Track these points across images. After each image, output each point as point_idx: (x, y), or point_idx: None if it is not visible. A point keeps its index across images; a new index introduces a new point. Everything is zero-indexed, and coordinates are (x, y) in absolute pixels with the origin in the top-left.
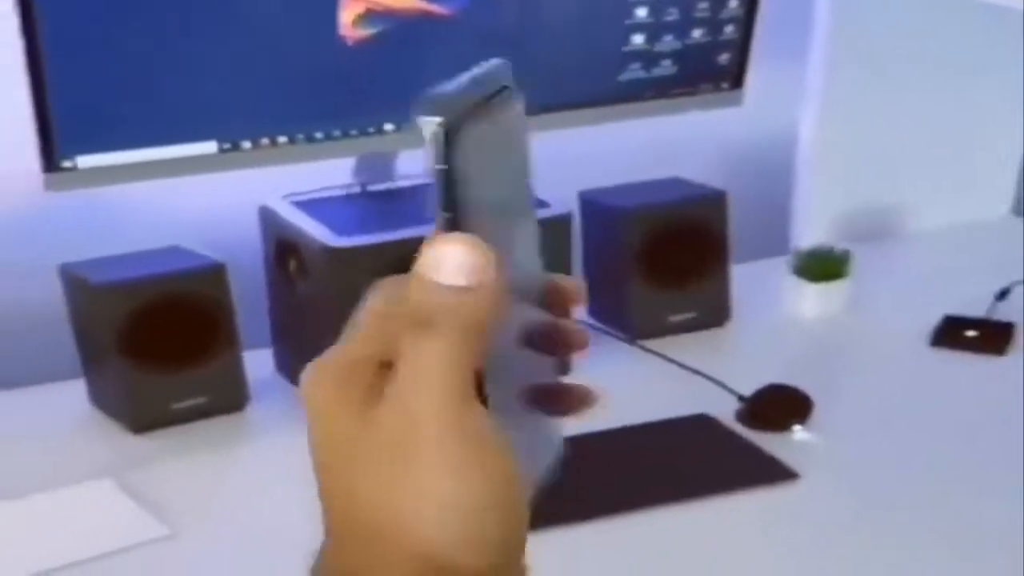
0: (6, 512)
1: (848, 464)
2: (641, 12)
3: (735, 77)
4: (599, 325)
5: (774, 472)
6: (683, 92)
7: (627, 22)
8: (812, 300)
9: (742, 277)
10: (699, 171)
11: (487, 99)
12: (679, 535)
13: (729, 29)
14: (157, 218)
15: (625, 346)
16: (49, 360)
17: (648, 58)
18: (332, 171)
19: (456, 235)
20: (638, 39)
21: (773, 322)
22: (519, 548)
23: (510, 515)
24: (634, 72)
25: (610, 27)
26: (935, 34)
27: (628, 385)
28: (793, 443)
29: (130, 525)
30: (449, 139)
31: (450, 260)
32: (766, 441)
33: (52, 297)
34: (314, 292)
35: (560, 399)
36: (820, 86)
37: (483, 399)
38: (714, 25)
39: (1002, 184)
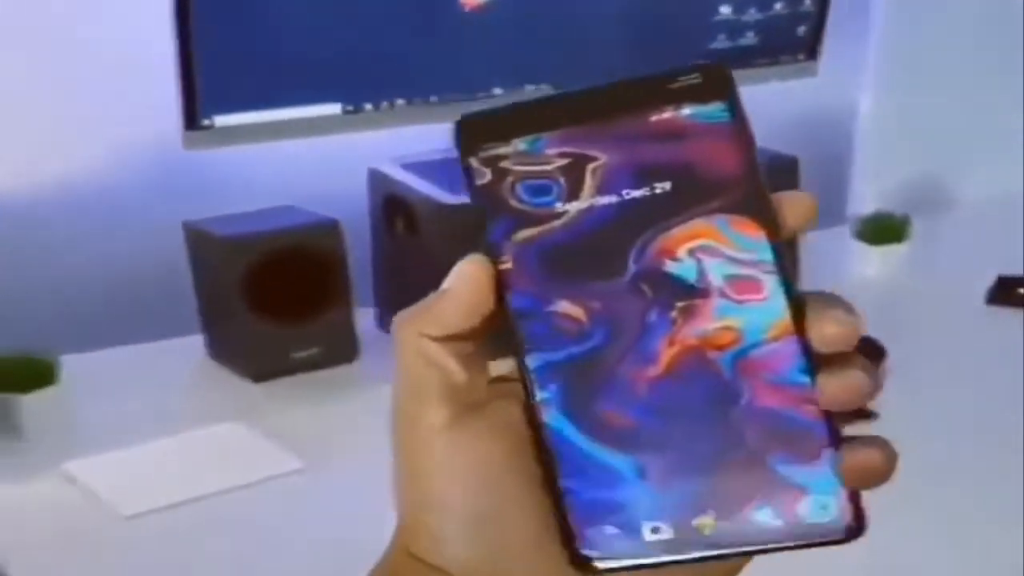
0: (156, 449)
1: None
2: None
3: (811, 49)
4: None
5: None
6: (765, 63)
7: None
8: (875, 263)
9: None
10: (766, 139)
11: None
12: None
13: (808, 2)
14: (269, 180)
15: None
16: (166, 316)
17: (734, 28)
18: (431, 137)
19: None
20: (725, 9)
21: (839, 284)
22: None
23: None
24: (721, 42)
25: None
26: (986, 11)
27: None
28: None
29: (267, 459)
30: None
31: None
32: None
33: (170, 255)
34: (425, 248)
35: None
36: (880, 60)
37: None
38: None
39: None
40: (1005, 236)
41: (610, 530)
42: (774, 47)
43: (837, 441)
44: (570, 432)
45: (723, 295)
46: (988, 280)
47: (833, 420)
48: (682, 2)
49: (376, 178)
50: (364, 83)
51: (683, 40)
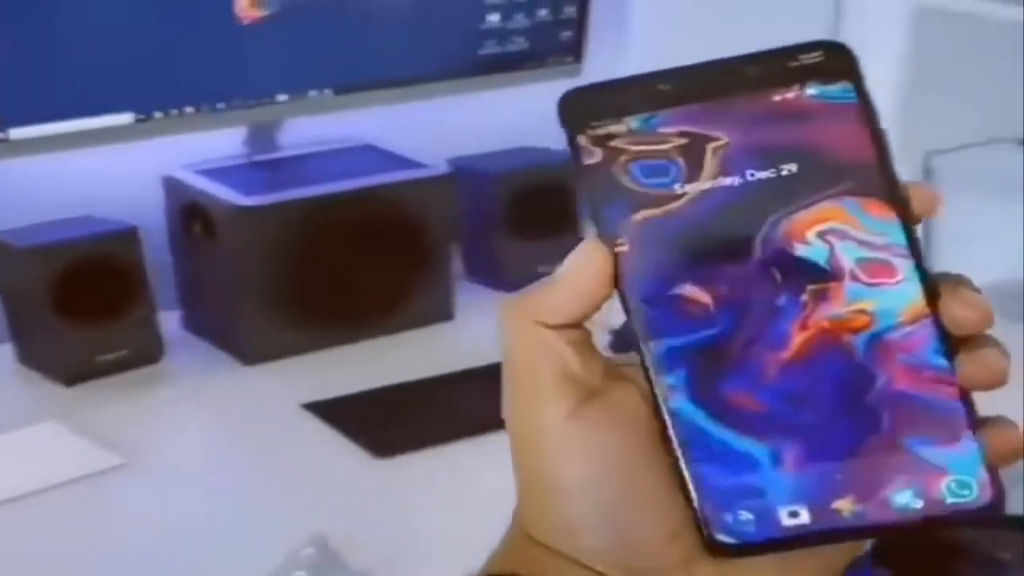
0: None
1: None
2: None
3: (577, 52)
4: (472, 278)
5: None
6: (534, 65)
7: (485, 2)
8: None
9: None
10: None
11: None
12: None
13: (569, 9)
14: (67, 190)
15: (500, 294)
16: None
17: (502, 35)
18: (220, 145)
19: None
20: (493, 18)
21: None
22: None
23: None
24: (491, 48)
25: (469, 8)
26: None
27: None
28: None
29: (84, 457)
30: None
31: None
32: None
33: None
34: (223, 251)
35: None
36: (640, 60)
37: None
38: (555, 5)
39: None
40: None
41: (745, 515)
42: (541, 51)
43: (974, 421)
44: (699, 418)
45: (855, 278)
46: None
47: (970, 400)
48: (452, 10)
49: (171, 184)
50: (154, 92)
51: (455, 47)
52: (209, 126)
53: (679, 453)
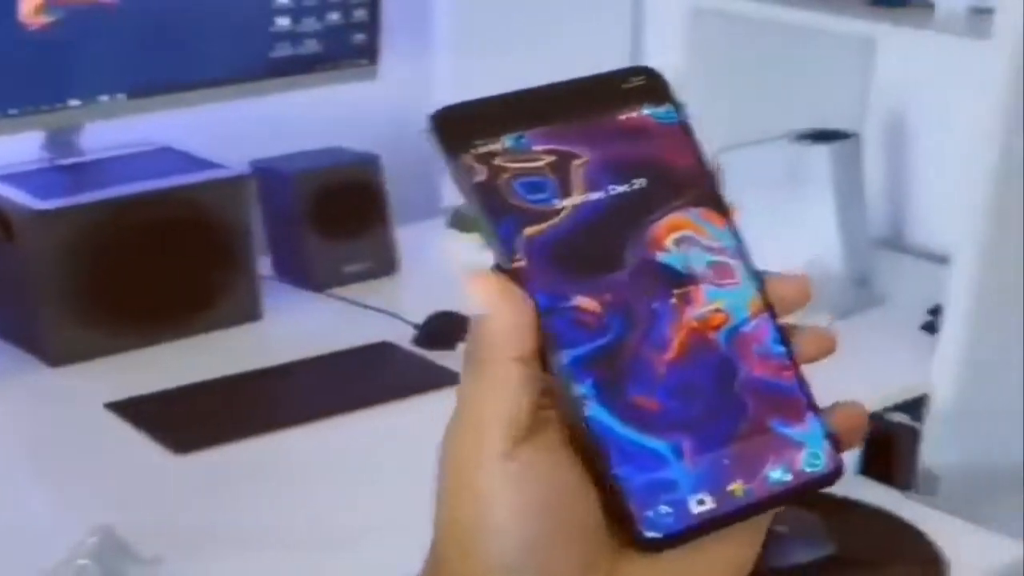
0: None
1: None
2: None
3: (371, 54)
4: (280, 277)
5: (446, 379)
6: (327, 68)
7: (272, 6)
8: (467, 248)
9: (406, 235)
10: (363, 140)
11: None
12: (363, 438)
13: (360, 12)
14: None
15: (308, 293)
16: None
17: (293, 38)
18: (23, 150)
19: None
20: (283, 21)
21: (438, 265)
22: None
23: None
24: (284, 50)
25: (259, 11)
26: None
27: (315, 327)
28: (461, 356)
29: None
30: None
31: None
32: (439, 358)
33: None
34: (23, 255)
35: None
36: (449, 61)
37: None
38: (346, 9)
39: None
40: None
41: (664, 509)
42: (334, 54)
43: (811, 400)
44: (611, 422)
45: (708, 280)
46: None
47: (805, 382)
48: (242, 14)
49: None
50: None
51: (247, 49)
52: (1, 132)
53: (599, 459)
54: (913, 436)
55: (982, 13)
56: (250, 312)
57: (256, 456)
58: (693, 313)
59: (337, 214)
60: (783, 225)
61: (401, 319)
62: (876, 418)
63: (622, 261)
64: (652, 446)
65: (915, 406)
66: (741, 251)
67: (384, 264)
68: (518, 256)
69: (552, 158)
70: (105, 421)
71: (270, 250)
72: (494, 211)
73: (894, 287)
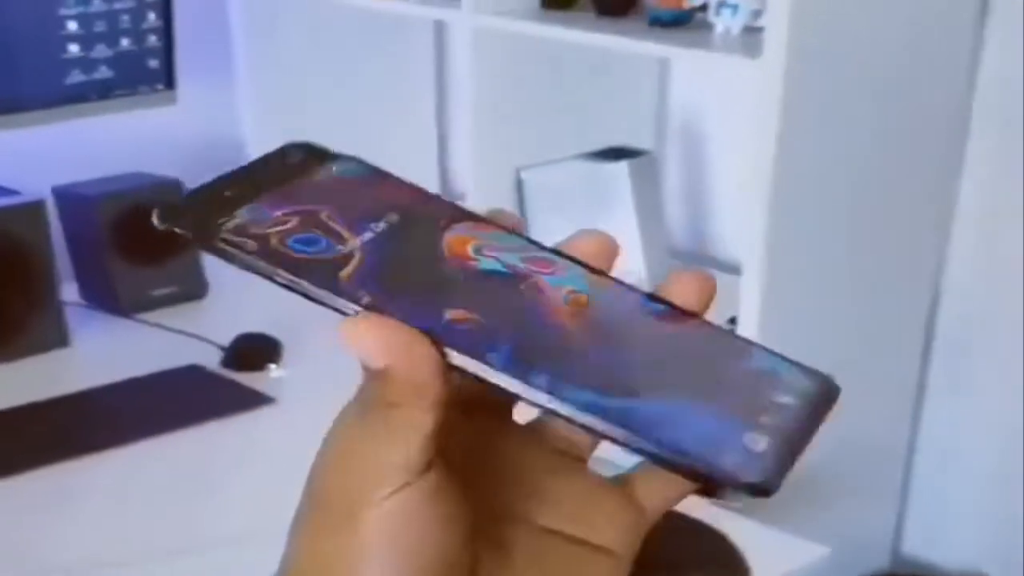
0: None
1: (318, 390)
2: (72, 25)
3: (168, 79)
4: (88, 303)
5: (254, 400)
6: (124, 93)
7: (61, 33)
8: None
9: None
10: (167, 165)
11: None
12: (172, 461)
13: (152, 39)
14: None
15: (116, 318)
16: None
17: (86, 64)
18: None
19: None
20: (74, 48)
21: (246, 289)
22: None
23: None
24: (76, 76)
25: (48, 38)
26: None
27: (123, 351)
28: (270, 379)
29: None
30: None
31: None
32: (247, 379)
33: None
34: None
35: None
36: (250, 87)
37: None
38: (138, 35)
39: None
40: None
41: (734, 453)
42: (130, 79)
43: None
44: (588, 396)
45: (537, 272)
46: None
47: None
48: (33, 41)
49: None
50: None
51: (41, 77)
52: None
53: (610, 435)
54: None
55: (755, 32)
56: (57, 339)
57: (66, 480)
58: (557, 298)
59: (142, 239)
60: None
61: (209, 341)
62: None
63: (449, 278)
64: (656, 407)
65: None
66: (540, 245)
67: (192, 287)
68: (360, 294)
69: (299, 217)
70: None
71: (76, 277)
72: (295, 270)
73: None
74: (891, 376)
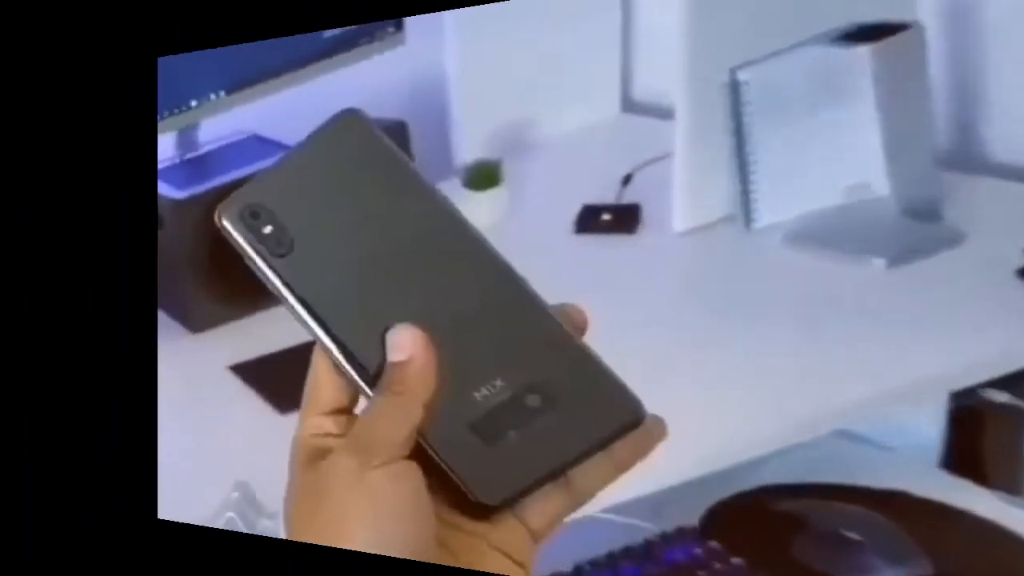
0: None
1: None
2: None
3: (397, 21)
4: None
5: None
6: (367, 41)
7: None
8: (483, 206)
9: None
10: (376, 109)
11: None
12: None
13: None
14: None
15: None
16: None
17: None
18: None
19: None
20: None
21: None
22: None
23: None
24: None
25: None
26: None
27: None
28: None
29: None
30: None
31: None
32: None
33: None
34: (169, 241)
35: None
36: (459, 25)
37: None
38: None
39: (609, 90)
40: (585, 168)
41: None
42: (369, 27)
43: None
44: None
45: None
46: (576, 209)
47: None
48: None
49: None
50: None
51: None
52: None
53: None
54: (1017, 420)
55: None
56: None
57: None
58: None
59: None
60: (822, 147)
61: None
62: (965, 398)
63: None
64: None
65: (1018, 380)
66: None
67: None
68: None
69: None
70: (228, 382)
71: None
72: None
73: (973, 221)
74: None
